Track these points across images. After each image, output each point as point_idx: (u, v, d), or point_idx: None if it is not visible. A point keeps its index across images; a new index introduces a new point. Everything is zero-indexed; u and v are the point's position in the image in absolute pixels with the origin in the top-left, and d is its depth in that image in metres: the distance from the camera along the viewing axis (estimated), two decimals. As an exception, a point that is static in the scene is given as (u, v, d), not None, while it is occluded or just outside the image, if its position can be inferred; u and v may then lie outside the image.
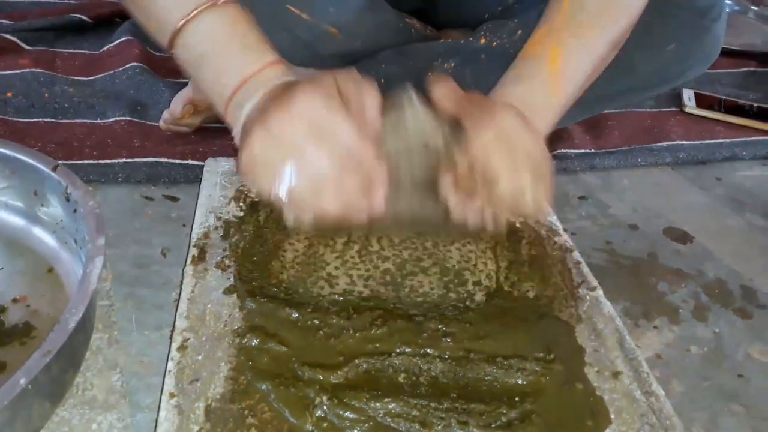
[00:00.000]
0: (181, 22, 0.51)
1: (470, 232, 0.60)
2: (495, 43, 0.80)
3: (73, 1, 1.16)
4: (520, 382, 0.49)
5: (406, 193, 0.54)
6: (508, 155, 0.49)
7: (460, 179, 0.51)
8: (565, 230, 0.70)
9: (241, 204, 0.65)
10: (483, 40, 0.80)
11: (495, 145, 0.49)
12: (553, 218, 0.69)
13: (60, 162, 0.58)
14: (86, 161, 0.75)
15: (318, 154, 0.45)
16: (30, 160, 0.59)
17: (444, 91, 0.54)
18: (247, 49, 0.51)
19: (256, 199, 0.66)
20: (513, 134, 0.50)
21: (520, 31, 0.79)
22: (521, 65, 0.59)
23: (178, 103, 0.79)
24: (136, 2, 0.54)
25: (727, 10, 1.40)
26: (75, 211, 0.56)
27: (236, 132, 0.51)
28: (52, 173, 0.57)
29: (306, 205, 0.47)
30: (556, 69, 0.57)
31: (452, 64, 0.81)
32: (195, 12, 0.50)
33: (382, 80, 0.83)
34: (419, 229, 0.62)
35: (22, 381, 0.39)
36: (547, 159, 0.52)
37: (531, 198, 0.50)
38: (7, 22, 1.01)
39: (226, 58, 0.52)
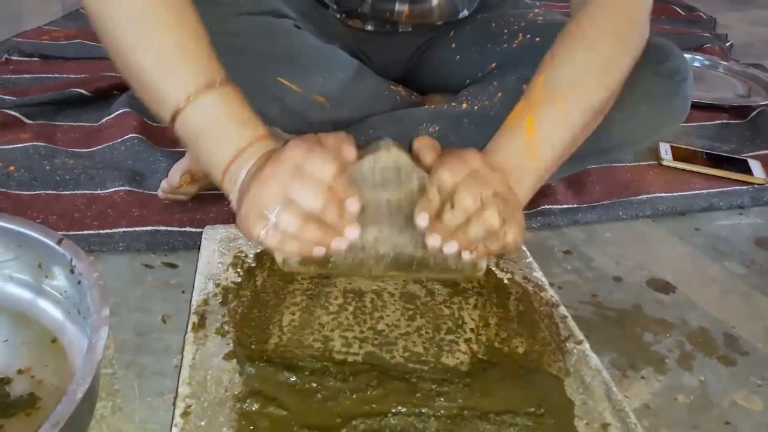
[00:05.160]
0: (182, 103, 0.56)
1: (451, 267, 0.64)
2: (476, 107, 0.84)
3: (72, 76, 1.21)
4: (512, 437, 0.51)
5: (385, 226, 0.60)
6: (477, 190, 0.55)
7: (435, 215, 0.56)
8: (552, 284, 0.73)
9: (238, 270, 0.68)
10: (465, 105, 0.85)
11: (465, 181, 0.55)
12: (539, 273, 0.72)
13: (63, 234, 0.61)
14: (87, 231, 0.77)
15: (299, 191, 0.52)
16: (35, 234, 0.61)
17: (423, 143, 0.60)
18: (241, 126, 0.58)
19: (253, 264, 0.68)
20: (481, 173, 0.56)
21: (500, 95, 0.83)
22: (500, 136, 0.64)
23: (175, 173, 0.82)
24: (138, 82, 0.59)
25: (699, 65, 1.48)
26: (79, 282, 0.58)
27: (232, 198, 0.57)
28: (57, 246, 0.60)
29: (291, 238, 0.54)
30: (532, 136, 0.62)
31: (437, 128, 0.85)
32: (194, 93, 0.56)
33: (371, 144, 0.87)
34: (401, 266, 0.64)
35: (33, 453, 0.41)
36: (514, 197, 0.58)
37: (503, 231, 0.56)
38: (10, 98, 1.06)
39: (222, 134, 0.58)
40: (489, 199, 0.55)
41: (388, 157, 0.58)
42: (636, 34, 0.68)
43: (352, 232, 0.55)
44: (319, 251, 0.56)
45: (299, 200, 0.52)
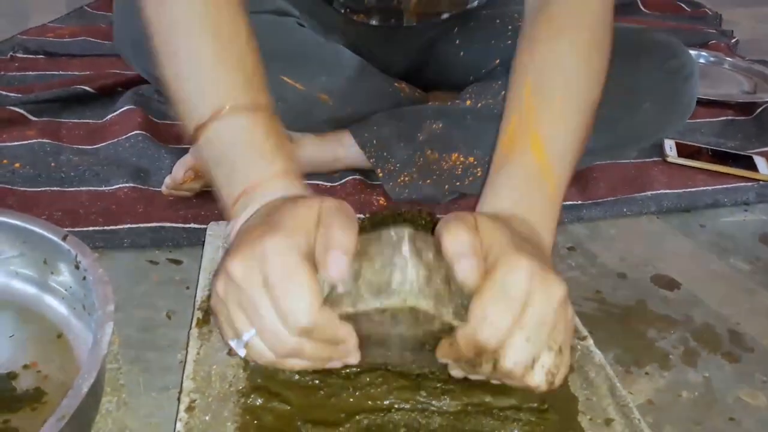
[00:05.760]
0: (206, 118, 0.52)
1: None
2: (480, 105, 0.85)
3: (76, 73, 1.21)
4: (516, 432, 0.51)
5: (395, 348, 0.50)
6: (514, 326, 0.43)
7: (460, 352, 0.45)
8: (556, 281, 0.73)
9: (242, 266, 0.68)
10: (468, 102, 0.85)
11: (498, 316, 0.43)
12: (543, 270, 0.72)
13: (68, 230, 0.61)
14: (92, 228, 0.78)
15: (273, 320, 0.42)
16: (40, 231, 0.61)
17: (452, 237, 0.45)
18: (258, 158, 0.52)
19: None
20: (522, 298, 0.43)
21: (503, 93, 0.83)
22: (510, 170, 0.55)
23: (179, 169, 0.82)
24: (171, 90, 0.56)
25: (704, 61, 1.47)
26: (84, 278, 0.58)
27: (230, 242, 0.51)
28: (62, 243, 0.60)
29: (267, 363, 0.46)
30: (545, 160, 0.54)
31: (440, 125, 0.85)
32: (221, 110, 0.52)
33: (375, 141, 0.88)
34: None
35: (38, 447, 0.41)
36: (567, 322, 0.46)
37: (542, 373, 0.45)
38: (15, 95, 1.06)
39: (237, 164, 0.52)
40: (529, 333, 0.43)
41: (401, 275, 0.43)
42: (609, 20, 0.62)
43: (353, 361, 0.48)
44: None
45: (273, 331, 0.43)
